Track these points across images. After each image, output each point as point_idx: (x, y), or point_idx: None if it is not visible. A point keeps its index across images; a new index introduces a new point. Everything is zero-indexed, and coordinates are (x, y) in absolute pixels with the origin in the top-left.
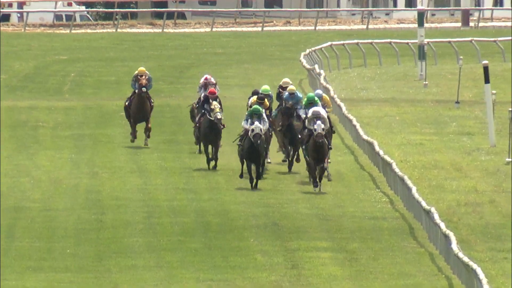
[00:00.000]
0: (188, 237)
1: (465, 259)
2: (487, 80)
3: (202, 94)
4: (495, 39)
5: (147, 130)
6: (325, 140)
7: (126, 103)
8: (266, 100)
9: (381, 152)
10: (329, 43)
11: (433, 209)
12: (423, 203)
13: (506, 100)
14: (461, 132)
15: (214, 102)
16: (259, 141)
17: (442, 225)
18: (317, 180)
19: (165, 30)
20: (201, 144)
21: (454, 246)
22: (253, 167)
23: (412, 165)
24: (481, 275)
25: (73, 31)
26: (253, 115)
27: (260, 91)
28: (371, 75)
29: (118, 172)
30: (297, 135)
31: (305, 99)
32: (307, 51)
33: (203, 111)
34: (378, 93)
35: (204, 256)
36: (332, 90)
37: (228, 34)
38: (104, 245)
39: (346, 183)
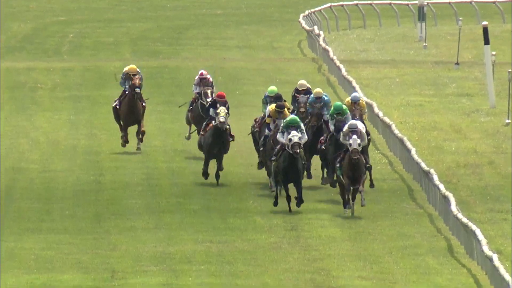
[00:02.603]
0: (187, 199)
1: (464, 220)
2: (486, 41)
3: (202, 92)
4: (495, 0)
5: (140, 134)
6: (362, 158)
7: (115, 104)
8: (286, 109)
9: (380, 114)
10: (329, 4)
11: (432, 171)
12: (423, 165)
13: (506, 61)
14: (461, 93)
15: (221, 107)
16: (298, 150)
17: (442, 187)
18: (349, 201)
19: None
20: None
21: (453, 207)
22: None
23: (411, 126)
24: (480, 236)
25: None
26: (290, 127)
27: (267, 93)
28: (371, 37)
29: (117, 133)
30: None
31: (332, 108)
32: (306, 12)
33: (208, 118)
34: (377, 54)
35: (203, 218)
36: (331, 52)
37: None
38: (102, 206)
39: None
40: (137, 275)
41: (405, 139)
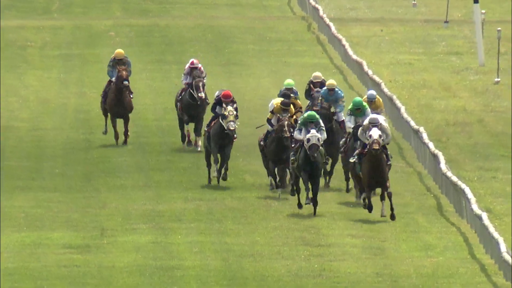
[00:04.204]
0: (177, 157)
1: (454, 178)
2: (476, 0)
3: (193, 84)
4: None
5: (125, 134)
6: (383, 154)
7: (102, 95)
8: (292, 106)
9: (370, 72)
10: None
11: (421, 129)
12: (412, 123)
13: (495, 20)
14: (450, 51)
15: (229, 108)
16: (315, 154)
17: (431, 145)
18: (369, 200)
19: None
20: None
21: (443, 166)
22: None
23: (401, 84)
24: (469, 195)
25: None
26: (308, 124)
27: (284, 86)
28: None
29: None
30: (337, 143)
31: (351, 104)
32: None
33: (214, 115)
34: (367, 12)
35: (193, 176)
36: (321, 10)
37: None
38: (92, 164)
39: None
40: (126, 233)
41: (394, 97)
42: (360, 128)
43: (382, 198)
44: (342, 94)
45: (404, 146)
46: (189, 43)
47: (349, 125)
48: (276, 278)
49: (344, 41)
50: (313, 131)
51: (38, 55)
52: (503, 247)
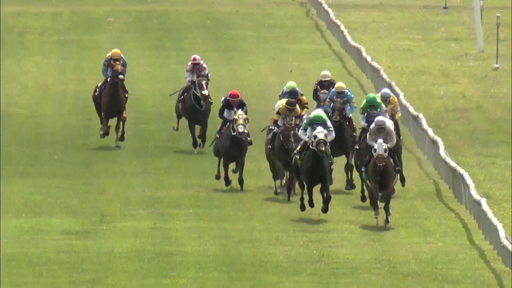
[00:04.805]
0: (176, 143)
1: (453, 164)
2: None
3: (196, 83)
4: None
5: (119, 129)
6: (390, 161)
7: (96, 93)
8: (297, 106)
9: (368, 58)
10: None
11: (421, 115)
12: (411, 109)
13: (494, 6)
14: (449, 37)
15: (239, 111)
16: (323, 149)
17: (430, 131)
18: (379, 208)
19: None
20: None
21: (442, 152)
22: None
23: (399, 71)
24: (469, 180)
25: None
26: (313, 124)
27: (285, 89)
28: None
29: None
30: (348, 140)
31: (364, 101)
32: None
33: (224, 120)
34: None
35: (192, 162)
36: None
37: None
38: (91, 151)
39: None
40: (125, 219)
41: (393, 83)
42: (368, 133)
43: (386, 205)
44: (352, 96)
45: (403, 132)
46: (187, 29)
47: (362, 123)
48: (274, 264)
49: (342, 27)
50: (319, 128)
51: (37, 41)
52: (502, 233)
